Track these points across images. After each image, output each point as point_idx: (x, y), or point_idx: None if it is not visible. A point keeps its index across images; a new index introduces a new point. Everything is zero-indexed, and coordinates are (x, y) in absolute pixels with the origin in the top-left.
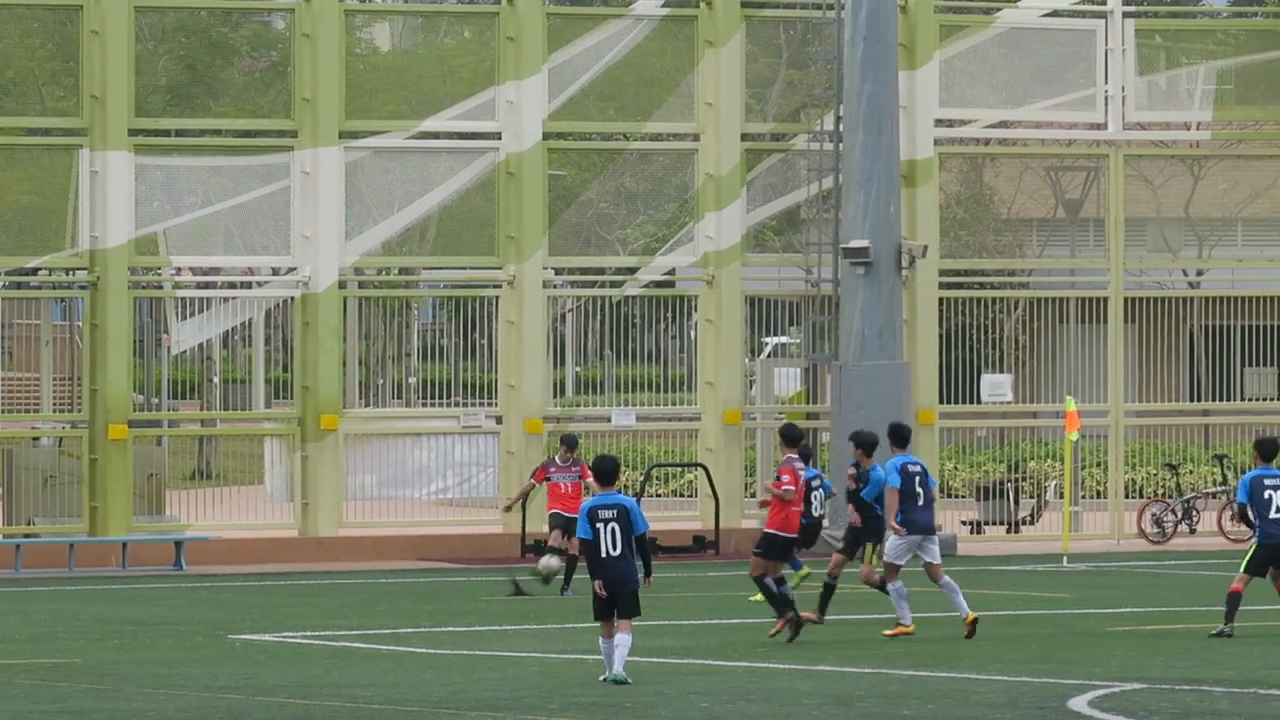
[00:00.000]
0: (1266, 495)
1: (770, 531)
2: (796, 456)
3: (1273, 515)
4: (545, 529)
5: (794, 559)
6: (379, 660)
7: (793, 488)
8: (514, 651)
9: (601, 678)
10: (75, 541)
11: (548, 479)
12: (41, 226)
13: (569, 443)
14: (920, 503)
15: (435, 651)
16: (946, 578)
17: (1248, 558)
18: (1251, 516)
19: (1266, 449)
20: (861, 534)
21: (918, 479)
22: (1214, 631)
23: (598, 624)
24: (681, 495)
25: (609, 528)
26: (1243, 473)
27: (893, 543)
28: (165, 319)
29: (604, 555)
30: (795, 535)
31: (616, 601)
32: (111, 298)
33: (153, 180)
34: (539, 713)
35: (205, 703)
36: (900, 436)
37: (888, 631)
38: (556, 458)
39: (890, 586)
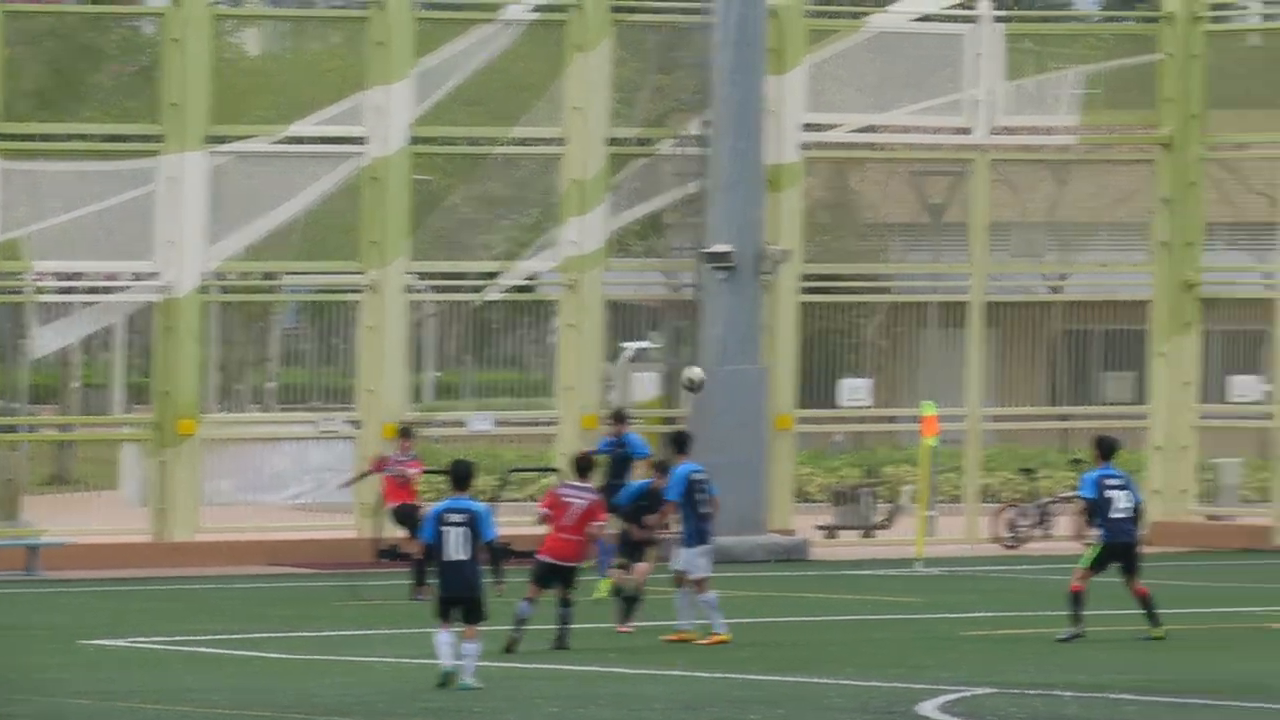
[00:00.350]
0: (1108, 495)
1: (536, 556)
2: (577, 485)
3: (1113, 515)
4: (397, 532)
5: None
6: (231, 665)
7: (547, 510)
8: (366, 656)
9: (440, 678)
10: None
11: (385, 471)
12: None
13: (406, 432)
14: (704, 510)
15: (288, 656)
16: (687, 589)
17: (1091, 556)
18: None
19: (1106, 447)
20: (641, 545)
21: (703, 487)
22: (1061, 636)
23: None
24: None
25: (456, 532)
26: None
27: (692, 558)
28: (26, 323)
29: (448, 559)
30: (561, 562)
31: (462, 607)
32: None
33: (17, 185)
34: (390, 717)
35: (57, 708)
36: (682, 444)
37: (703, 640)
38: (396, 451)
39: (702, 598)
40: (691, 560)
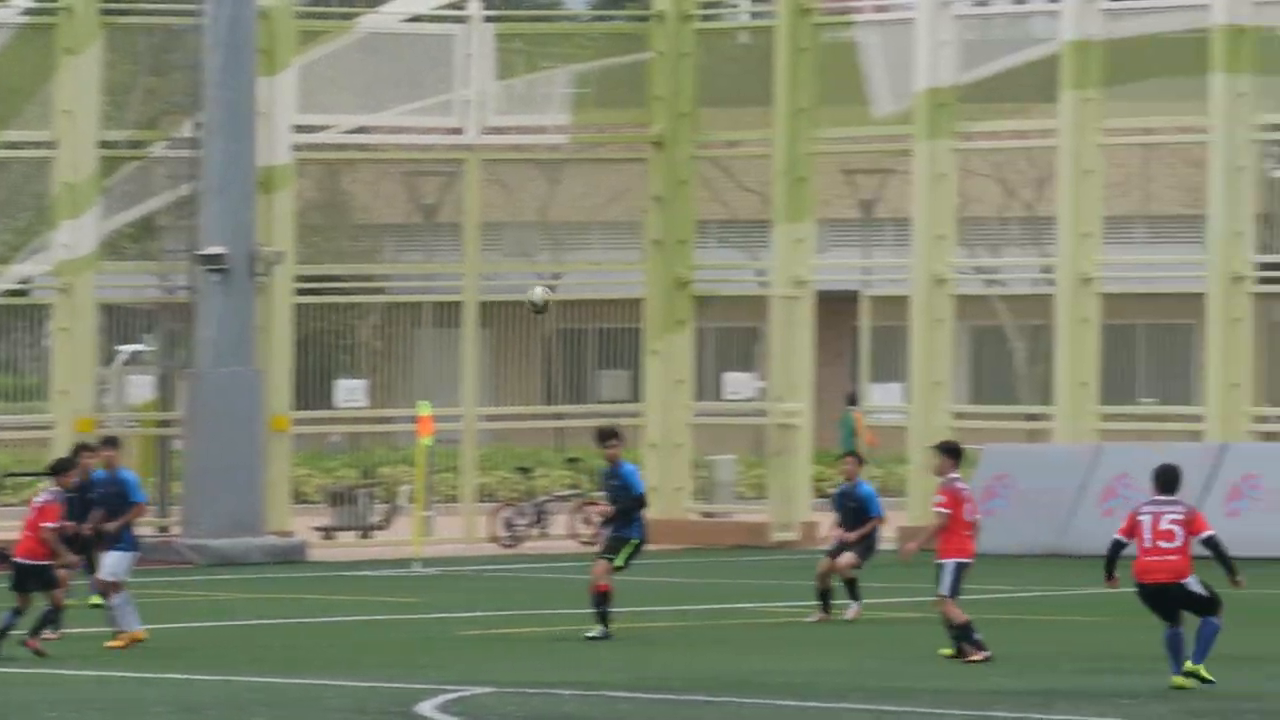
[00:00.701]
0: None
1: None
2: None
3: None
4: None
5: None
6: None
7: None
8: None
9: None
10: None
11: None
12: None
13: None
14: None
15: None
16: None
17: (629, 554)
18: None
19: (606, 434)
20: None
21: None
22: (591, 634)
23: None
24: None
25: None
26: (597, 476)
27: (123, 563)
28: None
29: None
30: (22, 560)
31: None
32: None
33: None
34: None
35: None
36: (117, 445)
37: (111, 644)
38: None
39: (115, 599)
40: (122, 566)
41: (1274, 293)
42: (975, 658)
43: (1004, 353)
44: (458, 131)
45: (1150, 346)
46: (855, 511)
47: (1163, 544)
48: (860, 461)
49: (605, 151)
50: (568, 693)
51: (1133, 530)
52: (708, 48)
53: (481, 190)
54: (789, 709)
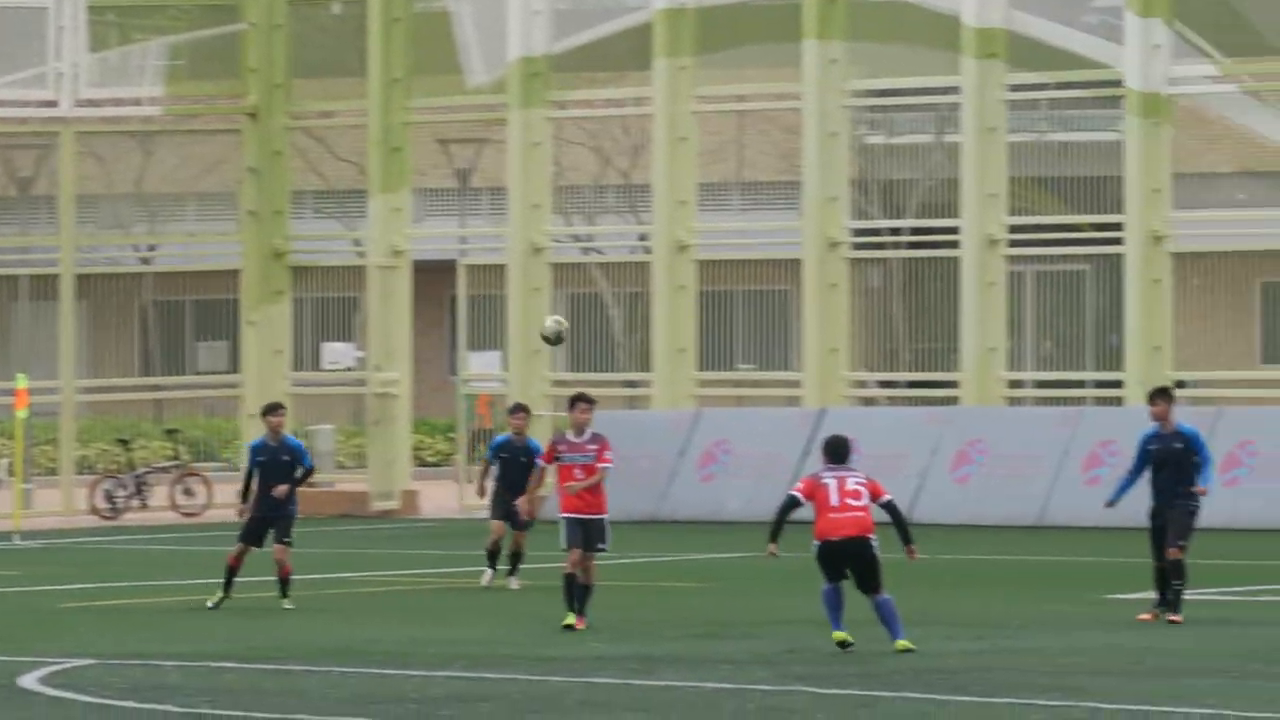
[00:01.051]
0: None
1: None
2: None
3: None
4: None
5: None
6: None
7: None
8: None
9: None
10: None
11: None
12: None
13: None
14: None
15: None
16: None
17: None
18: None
19: (272, 406)
20: None
21: None
22: (210, 604)
23: None
24: None
25: None
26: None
27: None
28: None
29: None
30: None
31: None
32: None
33: None
34: None
35: None
36: None
37: None
38: None
39: None
40: None
41: (869, 258)
42: (580, 625)
43: (602, 320)
44: (52, 104)
45: (748, 312)
46: (526, 467)
47: (851, 502)
48: (528, 414)
49: (199, 123)
50: (171, 664)
51: (812, 493)
52: (301, 18)
53: (76, 163)
54: (392, 677)
